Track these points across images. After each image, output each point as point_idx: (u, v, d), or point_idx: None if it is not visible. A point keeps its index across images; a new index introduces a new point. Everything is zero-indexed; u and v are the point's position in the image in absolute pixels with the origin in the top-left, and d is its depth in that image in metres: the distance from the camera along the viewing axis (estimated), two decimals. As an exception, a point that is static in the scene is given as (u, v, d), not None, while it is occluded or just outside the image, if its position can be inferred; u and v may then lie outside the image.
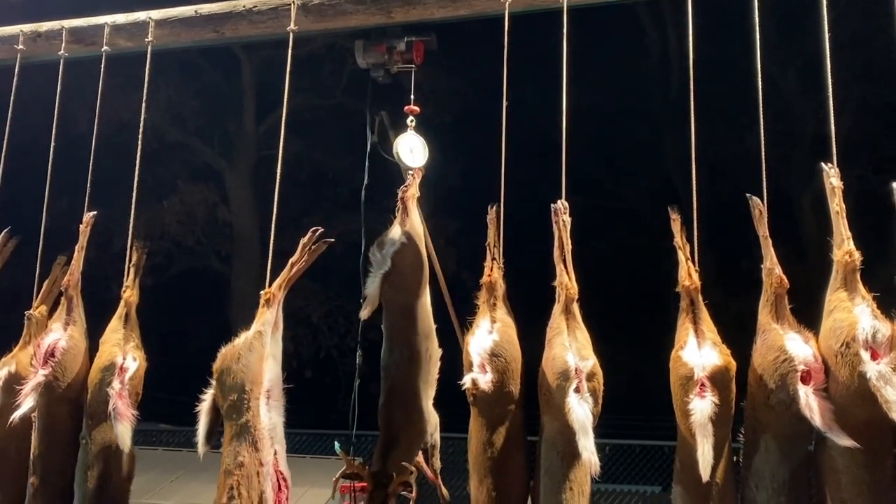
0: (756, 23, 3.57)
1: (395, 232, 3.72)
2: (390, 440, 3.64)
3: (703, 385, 3.00)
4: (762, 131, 3.53)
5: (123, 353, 3.79)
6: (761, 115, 3.54)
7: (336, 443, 3.98)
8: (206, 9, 4.38)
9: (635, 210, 15.29)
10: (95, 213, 4.14)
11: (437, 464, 3.84)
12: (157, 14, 4.43)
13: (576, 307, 3.35)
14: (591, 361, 3.22)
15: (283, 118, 4.16)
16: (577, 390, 3.12)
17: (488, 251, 3.63)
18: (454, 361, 3.59)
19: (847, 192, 3.22)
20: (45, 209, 4.34)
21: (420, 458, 3.83)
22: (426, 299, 3.76)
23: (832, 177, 3.18)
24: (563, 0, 3.83)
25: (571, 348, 3.21)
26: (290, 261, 3.69)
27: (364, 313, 3.64)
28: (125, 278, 4.01)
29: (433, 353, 3.71)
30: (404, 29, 4.35)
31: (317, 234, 3.68)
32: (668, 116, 14.36)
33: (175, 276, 15.90)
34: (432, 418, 3.74)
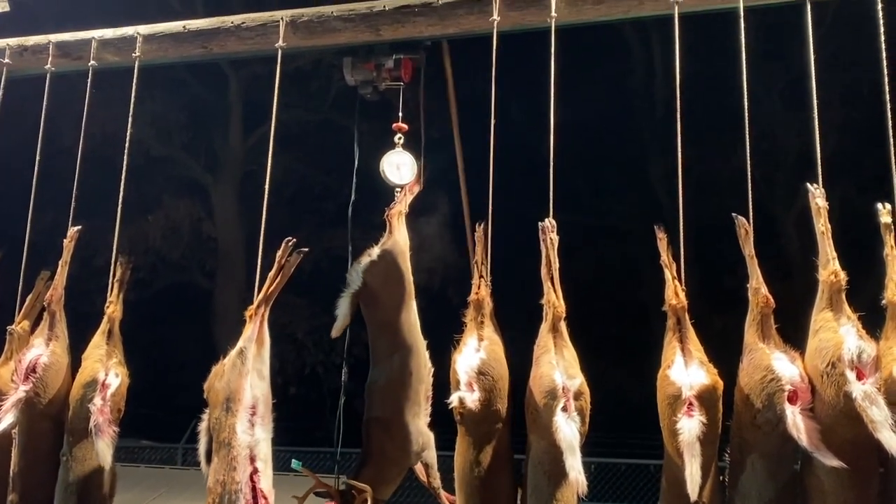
0: (742, 43, 3.60)
1: (373, 250, 3.72)
2: (364, 458, 3.62)
3: (690, 404, 3.00)
4: (748, 150, 3.55)
5: (106, 368, 3.76)
6: (747, 134, 3.56)
7: (295, 461, 3.95)
8: (194, 24, 4.38)
9: (621, 227, 15.34)
10: (80, 227, 4.12)
11: (436, 482, 3.80)
12: (144, 29, 4.42)
13: (563, 325, 3.35)
14: (578, 380, 3.22)
15: (272, 134, 4.15)
16: (565, 409, 3.12)
17: (476, 269, 3.62)
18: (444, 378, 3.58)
19: (831, 211, 3.25)
20: (29, 223, 4.31)
21: (424, 475, 3.80)
22: (408, 315, 3.72)
23: (818, 197, 3.20)
24: (550, 19, 3.85)
25: (559, 367, 3.21)
26: (269, 276, 3.67)
27: (334, 332, 3.62)
28: (109, 293, 3.98)
29: (417, 369, 3.67)
30: (392, 46, 4.35)
31: (290, 244, 3.66)
32: (654, 135, 14.45)
33: (159, 290, 15.80)
34: (420, 437, 3.69)
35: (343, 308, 3.64)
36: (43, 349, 3.81)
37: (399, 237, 3.82)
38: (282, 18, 4.21)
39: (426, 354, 3.73)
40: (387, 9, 4.10)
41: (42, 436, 3.75)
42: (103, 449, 3.57)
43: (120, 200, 4.21)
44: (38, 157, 4.43)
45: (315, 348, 15.21)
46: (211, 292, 16.49)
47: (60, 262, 4.01)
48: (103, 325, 3.89)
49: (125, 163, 4.30)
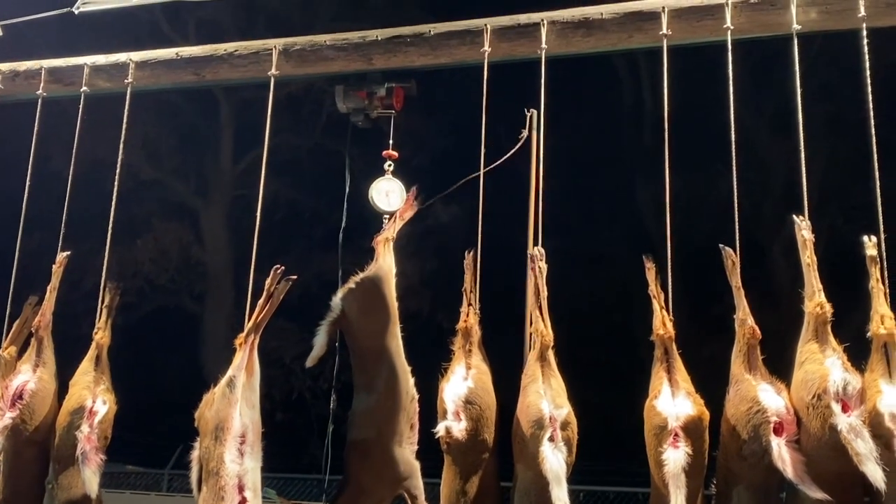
0: (730, 74, 3.65)
1: (355, 278, 3.72)
2: (341, 486, 3.59)
3: (676, 435, 3.01)
4: (735, 179, 3.58)
5: (93, 395, 3.74)
6: (734, 164, 3.59)
7: (266, 489, 3.92)
8: (187, 52, 4.41)
9: (608, 255, 15.38)
10: (69, 253, 4.11)
11: None
12: (137, 56, 4.44)
13: (551, 354, 3.35)
14: (565, 410, 3.22)
15: (265, 160, 4.17)
16: (552, 439, 3.12)
17: (464, 296, 3.63)
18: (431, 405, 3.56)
19: (817, 241, 3.28)
20: (17, 246, 4.30)
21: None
22: (390, 342, 3.69)
23: (804, 229, 3.23)
24: (541, 51, 3.90)
25: (546, 396, 3.21)
26: (258, 304, 3.67)
27: (309, 362, 3.62)
28: (97, 319, 3.97)
29: (398, 396, 3.61)
30: (384, 74, 4.39)
31: (279, 272, 3.66)
32: (642, 163, 14.54)
33: (146, 315, 15.71)
34: (401, 465, 3.64)
35: (319, 338, 3.64)
36: (30, 375, 3.79)
37: (383, 264, 3.81)
38: (275, 47, 4.24)
39: (409, 381, 3.69)
40: (379, 39, 4.15)
41: (28, 463, 3.72)
42: (90, 477, 3.55)
43: (110, 225, 4.21)
44: (28, 182, 4.43)
45: (303, 373, 15.12)
46: (199, 316, 16.42)
47: (49, 288, 4.00)
48: (91, 352, 3.87)
49: (115, 187, 4.30)
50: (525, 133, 4.26)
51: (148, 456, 13.07)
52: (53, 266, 4.07)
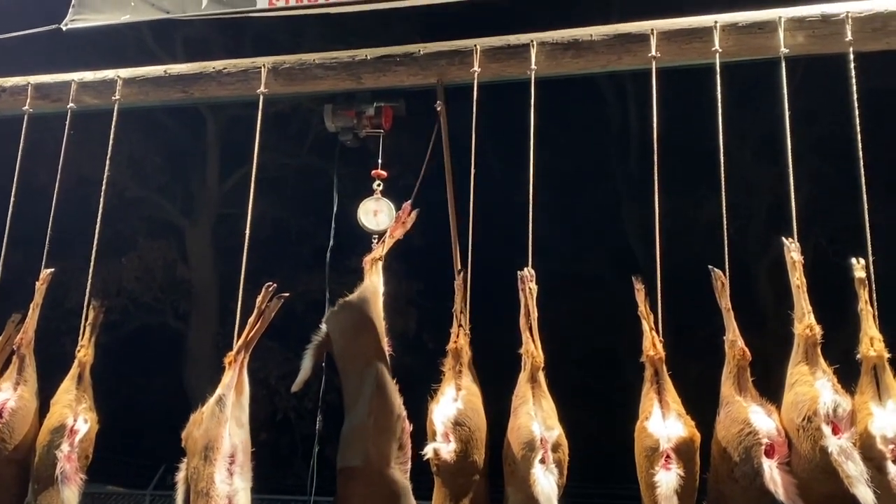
0: (718, 97, 3.66)
1: (340, 300, 3.69)
2: None
3: (668, 457, 3.00)
4: (724, 201, 3.58)
5: (74, 414, 3.69)
6: (723, 186, 3.60)
7: None
8: (175, 69, 4.40)
9: (595, 276, 15.41)
10: (52, 270, 4.07)
11: None
12: (125, 72, 4.43)
13: (541, 375, 3.34)
14: (556, 431, 3.20)
15: (254, 177, 4.15)
16: (543, 461, 3.09)
17: (455, 318, 3.61)
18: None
19: (804, 261, 3.28)
20: (0, 263, 4.26)
21: None
22: (376, 362, 3.64)
23: (793, 251, 3.23)
24: (530, 72, 3.91)
25: (537, 418, 3.19)
26: (249, 321, 3.64)
27: (295, 387, 3.58)
28: (80, 337, 3.92)
29: (384, 417, 3.58)
30: (373, 94, 4.39)
31: (270, 290, 3.63)
32: (629, 184, 14.62)
33: (129, 333, 15.57)
34: (392, 487, 3.58)
35: (305, 361, 3.60)
36: (10, 393, 3.74)
37: (370, 284, 3.78)
38: (264, 65, 4.23)
39: (397, 401, 3.61)
40: (368, 58, 4.15)
41: (6, 482, 3.65)
42: (69, 497, 3.50)
43: (94, 242, 4.18)
44: (12, 198, 4.39)
45: (287, 393, 14.96)
46: (183, 335, 16.29)
47: (32, 305, 3.96)
48: (73, 370, 3.83)
49: (101, 204, 4.27)
50: (440, 104, 4.24)
51: (130, 476, 12.90)
52: (37, 283, 4.03)
